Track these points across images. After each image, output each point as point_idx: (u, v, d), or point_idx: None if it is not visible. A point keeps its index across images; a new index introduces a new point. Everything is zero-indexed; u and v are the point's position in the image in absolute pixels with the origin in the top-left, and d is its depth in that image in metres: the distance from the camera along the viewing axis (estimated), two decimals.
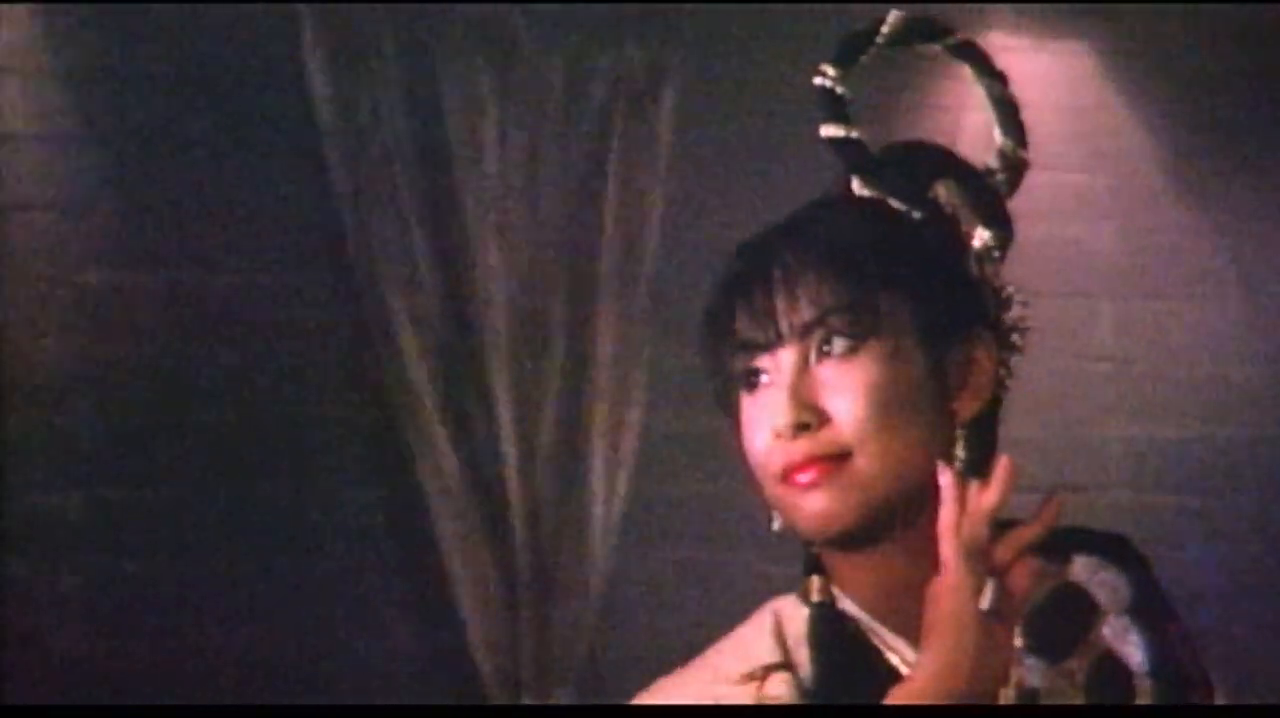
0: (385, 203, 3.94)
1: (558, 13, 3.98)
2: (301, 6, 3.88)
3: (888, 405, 1.84)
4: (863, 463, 1.84)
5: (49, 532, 3.86)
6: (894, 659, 1.85)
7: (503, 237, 3.96)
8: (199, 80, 3.91)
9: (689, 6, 4.08)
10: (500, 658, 3.93)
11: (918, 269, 1.89)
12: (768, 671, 1.89)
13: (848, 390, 1.84)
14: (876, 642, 1.88)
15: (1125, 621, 1.90)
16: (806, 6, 3.96)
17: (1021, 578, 1.78)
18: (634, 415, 4.01)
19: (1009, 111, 1.96)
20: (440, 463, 3.94)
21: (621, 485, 4.01)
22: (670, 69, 4.05)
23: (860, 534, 1.85)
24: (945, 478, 1.79)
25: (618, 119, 4.00)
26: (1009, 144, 1.97)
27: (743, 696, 1.87)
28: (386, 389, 3.93)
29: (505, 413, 3.95)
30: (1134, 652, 1.89)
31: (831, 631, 1.90)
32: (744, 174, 4.13)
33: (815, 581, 1.92)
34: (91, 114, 3.88)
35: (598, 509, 3.97)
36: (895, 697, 1.75)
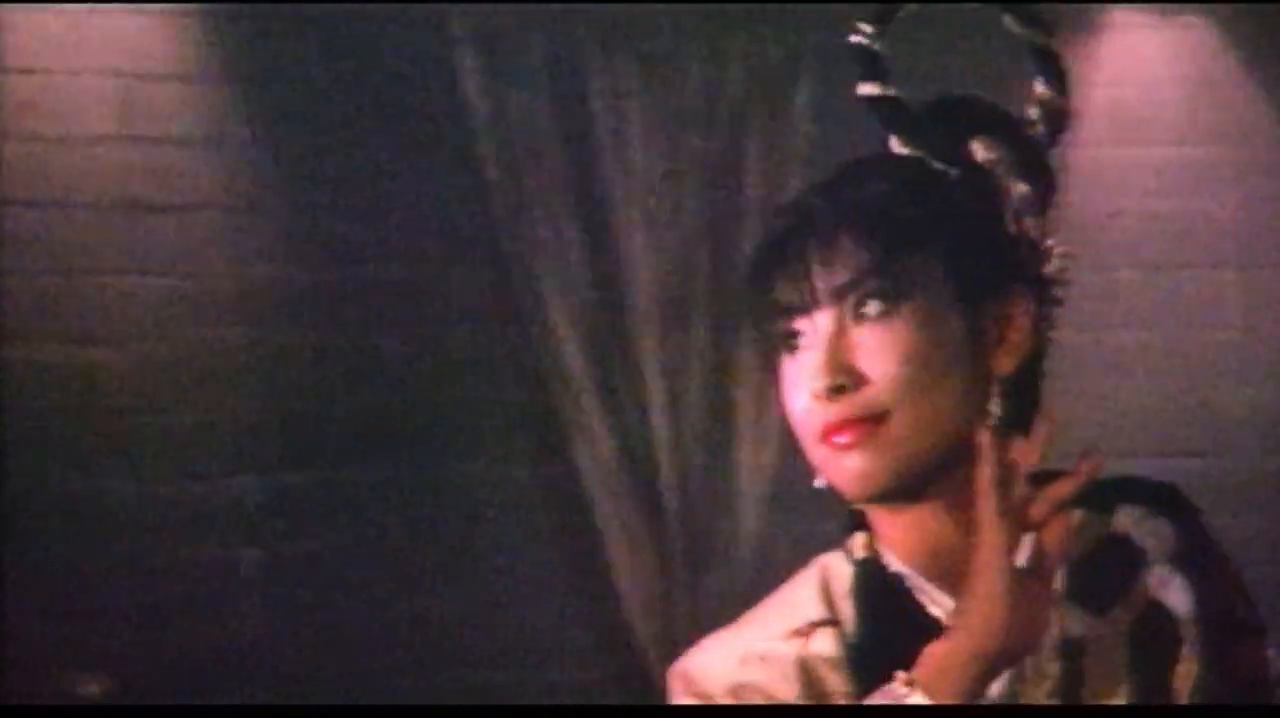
0: (535, 195, 4.11)
1: (695, 5, 4.13)
2: (452, 10, 4.06)
3: (923, 366, 1.84)
4: (899, 424, 1.84)
5: (229, 514, 4.09)
6: (937, 613, 1.85)
7: (648, 224, 4.13)
8: (357, 84, 4.09)
9: None
10: (656, 622, 4.10)
11: (953, 229, 1.89)
12: (813, 626, 1.91)
13: (883, 352, 1.84)
14: (920, 596, 1.88)
15: (1170, 568, 1.88)
16: None
17: (1058, 534, 1.78)
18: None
19: (1050, 61, 1.96)
20: (595, 440, 4.12)
21: (767, 457, 4.15)
22: (806, 57, 4.18)
23: (899, 493, 1.85)
24: (982, 437, 1.79)
25: (755, 107, 4.15)
26: (1049, 94, 1.96)
27: (789, 651, 1.88)
28: (542, 372, 4.11)
29: (655, 391, 4.12)
30: (1179, 599, 1.87)
31: (875, 586, 1.91)
32: None
33: (859, 537, 1.93)
34: (258, 118, 4.08)
35: (745, 480, 4.13)
36: (932, 653, 1.75)
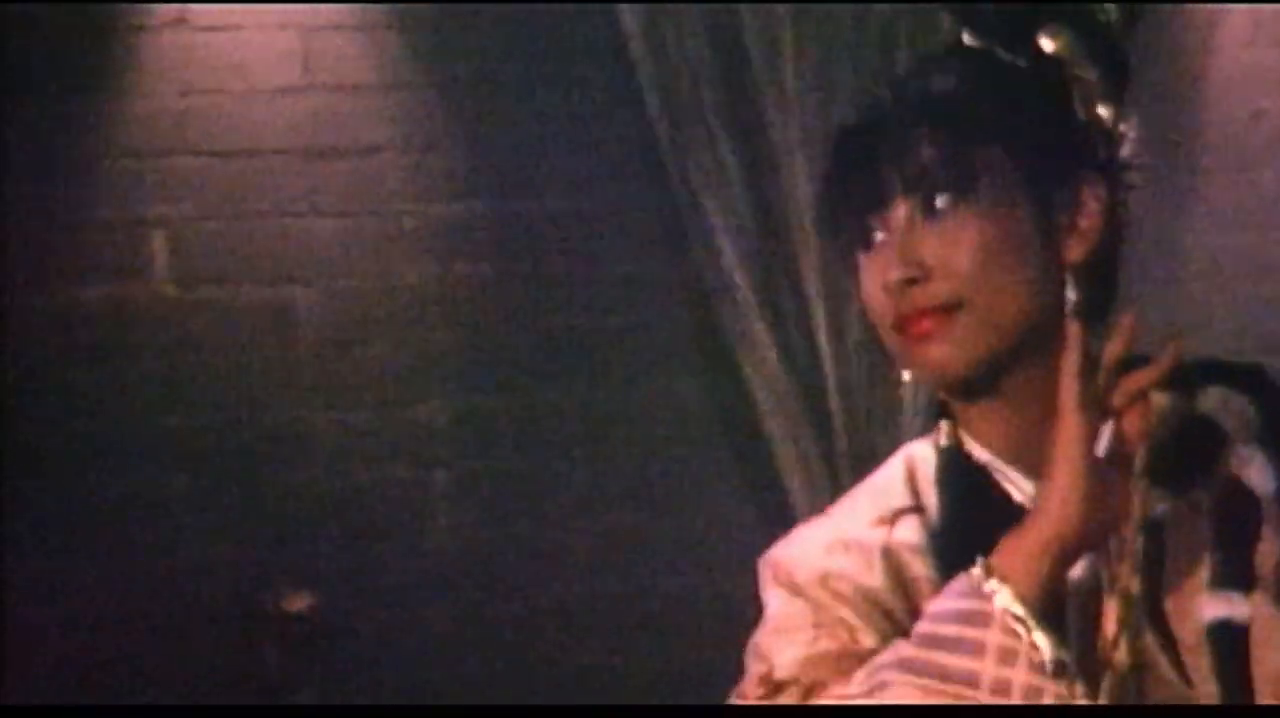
0: (696, 123, 4.25)
1: None
2: None
3: (993, 256, 1.83)
4: (972, 314, 1.83)
5: (419, 438, 4.32)
6: (1020, 499, 1.84)
7: (803, 146, 4.27)
8: (524, 26, 4.27)
9: None
10: None
11: (1020, 119, 1.87)
12: (898, 514, 1.91)
13: (953, 244, 1.84)
14: (1003, 483, 1.87)
15: (1253, 448, 1.85)
16: None
17: (1137, 422, 1.76)
18: None
19: None
20: (761, 355, 4.24)
21: None
22: None
23: (976, 382, 1.85)
24: (1071, 325, 1.77)
25: (901, 33, 4.25)
26: None
27: (875, 538, 1.89)
28: (710, 293, 4.25)
29: (817, 306, 4.22)
30: (1261, 478, 1.84)
31: (958, 473, 1.90)
32: None
33: (944, 425, 1.92)
34: (429, 62, 4.29)
35: (906, 391, 4.25)
36: (1010, 540, 1.74)
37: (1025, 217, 1.85)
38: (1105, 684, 1.76)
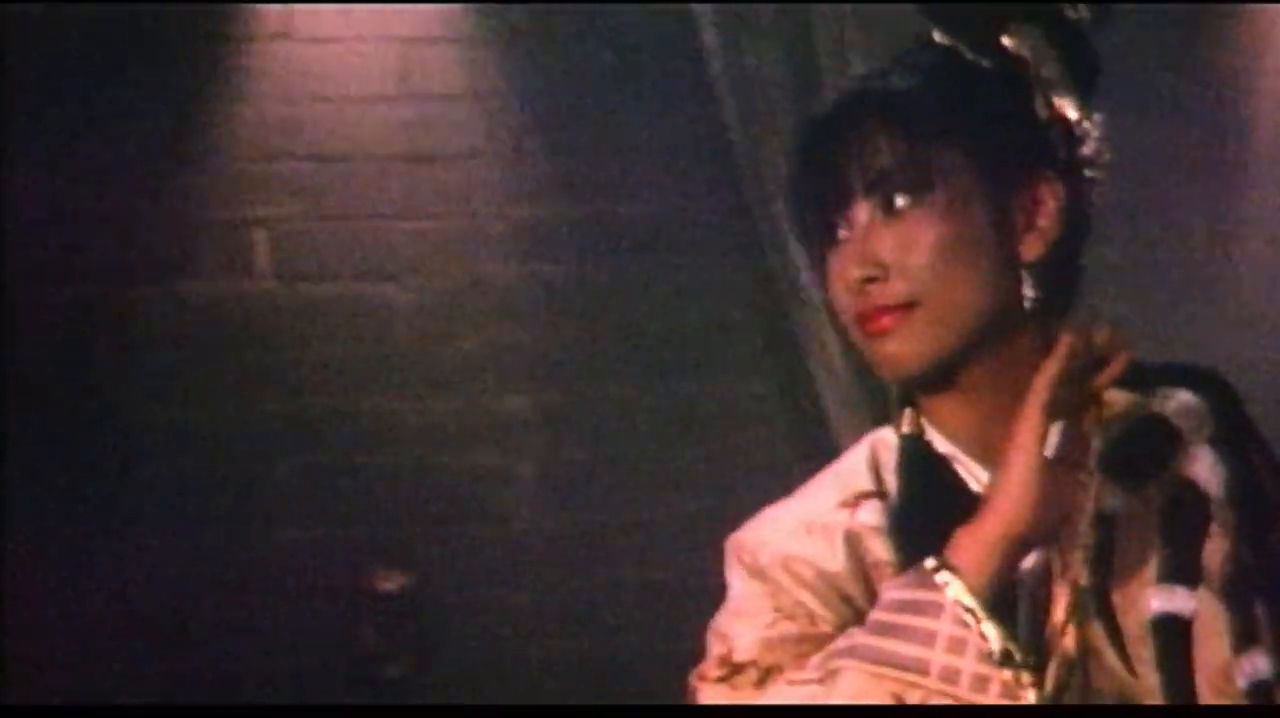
0: (768, 129, 4.39)
1: None
2: None
3: (949, 255, 1.84)
4: (928, 311, 1.84)
5: (504, 429, 4.51)
6: (978, 489, 1.85)
7: None
8: (606, 38, 4.43)
9: None
10: None
11: (980, 119, 1.87)
12: (860, 497, 1.93)
13: (911, 244, 1.85)
14: (963, 473, 1.88)
15: (1206, 449, 1.85)
16: None
17: (1090, 422, 1.81)
18: None
19: None
20: (829, 354, 4.36)
21: None
22: None
23: (934, 376, 1.87)
24: (1065, 337, 1.79)
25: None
26: None
27: (837, 521, 1.91)
28: (779, 292, 4.39)
29: None
30: (1212, 480, 1.85)
31: (919, 461, 1.92)
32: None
33: (906, 413, 1.95)
34: (517, 73, 4.46)
35: None
36: (963, 535, 1.77)
37: (982, 216, 1.86)
38: (1052, 671, 1.79)
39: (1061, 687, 1.80)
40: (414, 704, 4.25)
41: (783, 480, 4.47)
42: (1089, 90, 1.93)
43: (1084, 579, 1.82)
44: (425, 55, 4.47)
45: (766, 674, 1.86)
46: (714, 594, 4.55)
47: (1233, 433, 1.87)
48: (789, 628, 1.87)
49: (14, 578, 4.21)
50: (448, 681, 4.41)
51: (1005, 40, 1.90)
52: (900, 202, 1.86)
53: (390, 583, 4.42)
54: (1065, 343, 1.79)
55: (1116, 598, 1.83)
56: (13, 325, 4.29)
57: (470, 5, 4.45)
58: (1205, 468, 1.86)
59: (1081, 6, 1.93)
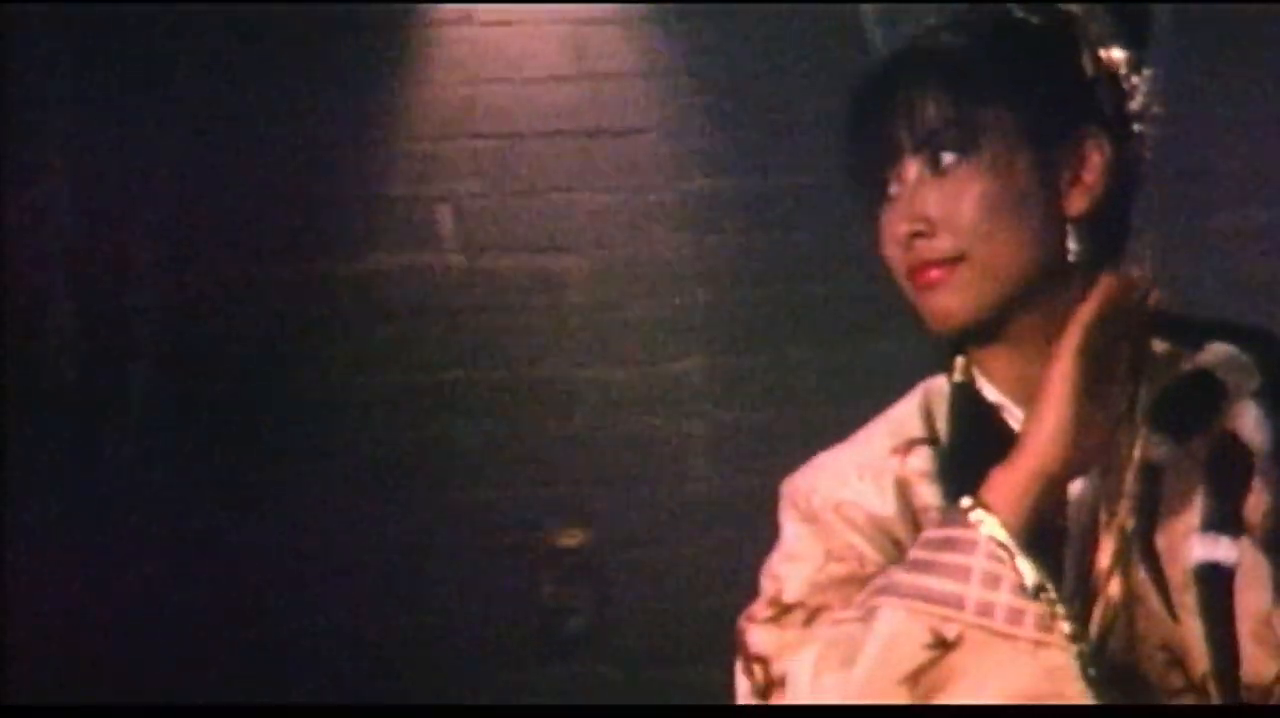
0: None
1: None
2: None
3: (995, 211, 1.85)
4: (974, 266, 1.86)
5: (680, 391, 4.64)
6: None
7: None
8: (768, 18, 4.59)
9: None
10: None
11: (1026, 77, 1.88)
12: (912, 444, 1.96)
13: (957, 200, 1.86)
14: (1010, 420, 1.89)
15: (1251, 403, 1.85)
16: None
17: (1123, 364, 1.80)
18: None
19: None
20: None
21: None
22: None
23: (981, 328, 1.89)
24: (1105, 279, 1.80)
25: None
26: None
27: (889, 467, 1.95)
28: None
29: None
30: (1258, 434, 1.85)
31: (969, 408, 1.93)
32: None
33: (959, 362, 1.96)
34: (686, 52, 4.62)
35: None
36: (999, 473, 1.79)
37: (1027, 172, 1.87)
38: (1097, 615, 1.79)
39: (1106, 631, 1.80)
40: (415, 704, 4.32)
41: None
42: (1141, 43, 1.93)
43: (1130, 526, 1.82)
44: (598, 36, 4.60)
45: (814, 615, 1.87)
46: None
47: (1278, 388, 1.87)
48: (838, 570, 1.88)
49: (234, 528, 4.42)
50: (625, 634, 4.57)
51: None
52: (947, 159, 1.87)
53: (570, 540, 4.57)
54: (1104, 285, 1.79)
55: (1161, 545, 1.84)
56: (232, 299, 4.52)
57: None
58: (1250, 422, 1.85)
59: None
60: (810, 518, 1.96)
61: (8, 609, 4.02)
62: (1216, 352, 1.89)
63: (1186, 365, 1.88)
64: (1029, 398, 1.83)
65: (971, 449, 1.88)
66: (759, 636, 1.90)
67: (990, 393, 1.91)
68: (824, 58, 4.54)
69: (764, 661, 1.88)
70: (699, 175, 4.63)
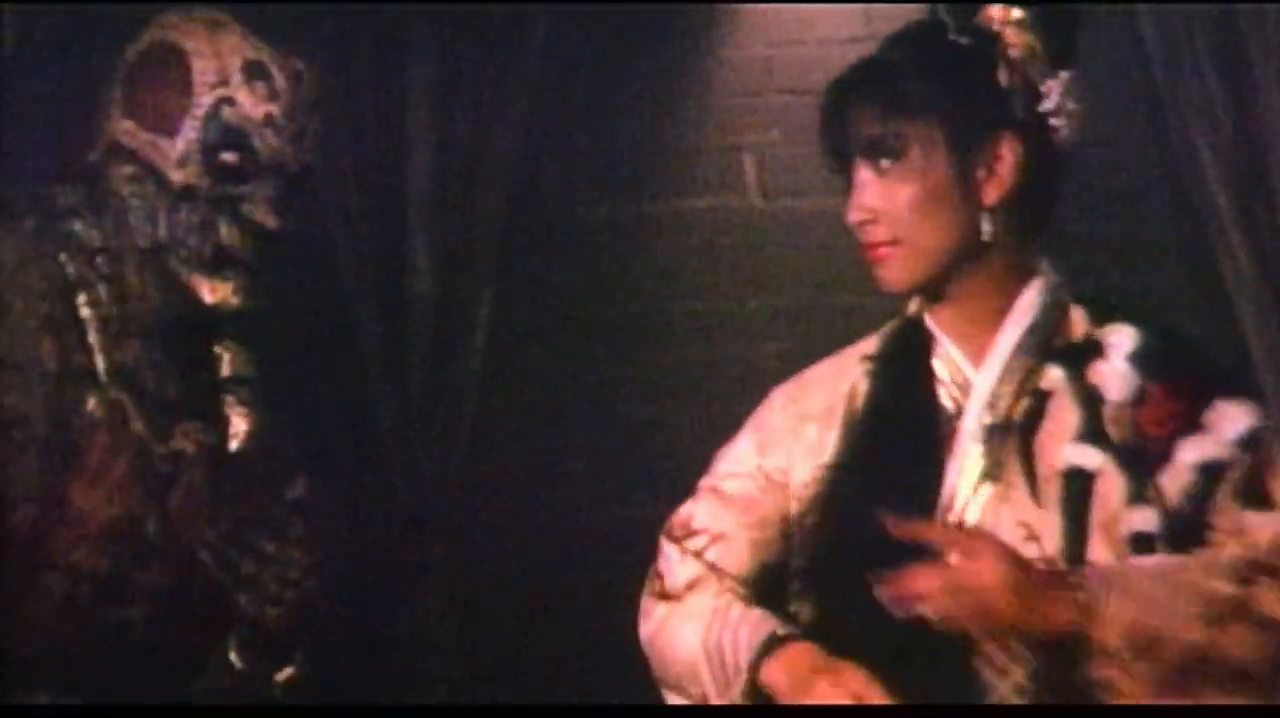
0: (1188, 60, 4.72)
1: None
2: None
3: (921, 206, 2.28)
4: (907, 247, 2.31)
5: None
6: (941, 366, 2.35)
7: None
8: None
9: None
10: None
11: (950, 90, 2.26)
12: (864, 359, 2.46)
13: (893, 197, 2.29)
14: (940, 348, 2.37)
15: (1124, 363, 2.39)
16: None
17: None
18: None
19: None
20: (1235, 256, 4.69)
21: None
22: None
23: (920, 290, 2.36)
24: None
25: None
26: None
27: (847, 370, 2.45)
28: (1197, 201, 4.71)
29: None
30: (1120, 383, 2.33)
31: (909, 335, 2.40)
32: None
33: (916, 300, 2.42)
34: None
35: None
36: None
37: (948, 172, 2.28)
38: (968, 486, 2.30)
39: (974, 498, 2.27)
40: (415, 704, 4.52)
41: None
42: (1065, 52, 2.34)
43: (1016, 428, 2.31)
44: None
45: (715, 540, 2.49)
46: None
47: (1149, 356, 2.31)
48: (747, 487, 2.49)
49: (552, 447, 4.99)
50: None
51: (991, 12, 2.29)
52: (885, 163, 2.29)
53: None
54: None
55: (1037, 447, 2.28)
56: (555, 238, 5.09)
57: None
58: (1118, 374, 2.31)
59: None
60: (762, 420, 2.50)
61: None
62: (1116, 329, 2.37)
63: (1088, 334, 2.36)
64: (960, 339, 2.34)
65: (899, 367, 2.38)
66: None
67: (933, 328, 2.39)
68: (1086, 17, 4.87)
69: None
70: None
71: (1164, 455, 2.28)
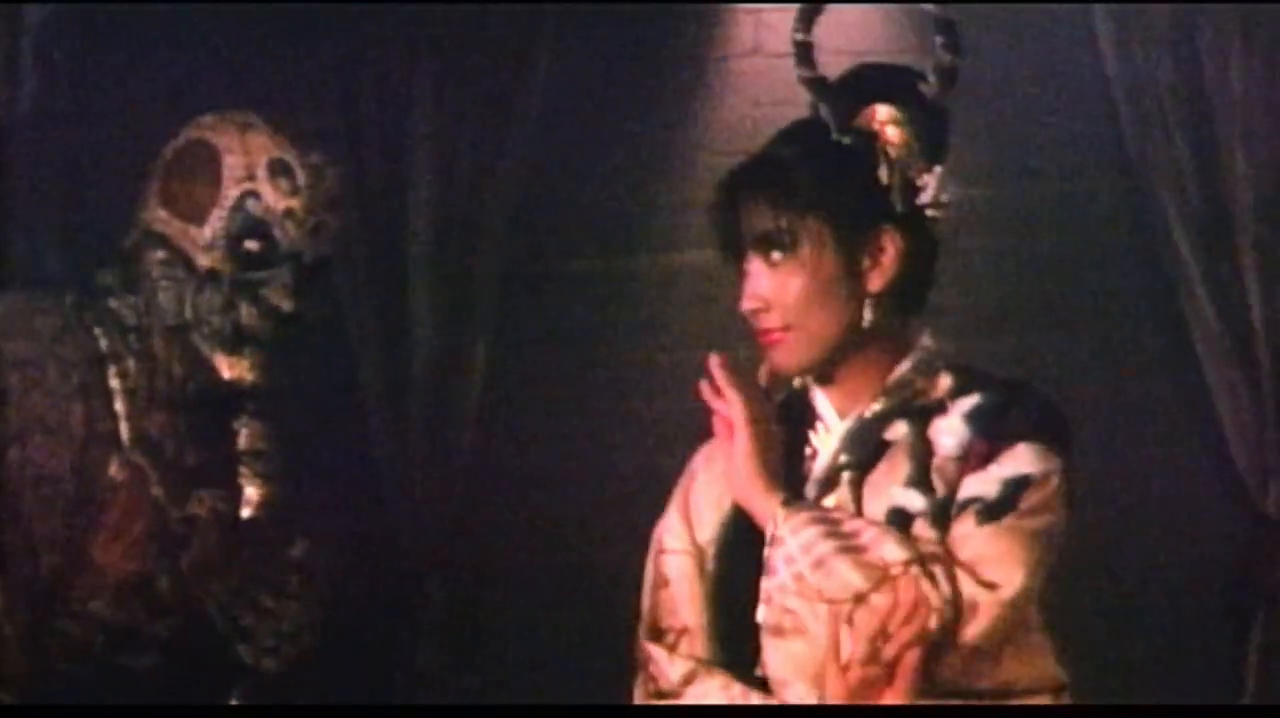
0: (1156, 123, 4.90)
1: None
2: None
3: (812, 294, 2.43)
4: (798, 333, 2.46)
5: None
6: (820, 426, 2.53)
7: (1245, 143, 4.85)
8: (1004, 38, 4.97)
9: None
10: (1251, 455, 4.84)
11: (835, 189, 2.41)
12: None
13: (783, 287, 2.43)
14: (820, 417, 2.56)
15: (959, 421, 2.52)
16: None
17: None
18: None
19: (947, 28, 2.50)
20: (1205, 316, 4.88)
21: None
22: None
23: (807, 372, 2.53)
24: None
25: None
26: (945, 56, 2.49)
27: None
28: (1165, 260, 4.88)
29: (1251, 278, 4.86)
30: (950, 439, 2.50)
31: (799, 405, 2.60)
32: None
33: (799, 379, 2.61)
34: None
35: None
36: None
37: (835, 265, 2.44)
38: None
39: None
40: (417, 705, 4.67)
41: (1162, 428, 5.00)
42: (938, 147, 2.47)
43: (849, 473, 2.51)
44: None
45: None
46: None
47: (984, 416, 2.46)
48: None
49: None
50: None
51: (870, 112, 2.44)
52: (776, 255, 2.45)
53: None
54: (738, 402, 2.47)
55: (869, 486, 2.49)
56: (549, 290, 5.23)
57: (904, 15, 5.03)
58: (952, 431, 2.47)
59: (931, 81, 2.49)
60: (685, 502, 2.69)
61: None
62: (968, 393, 2.53)
63: (950, 393, 2.53)
64: (842, 408, 2.54)
65: (787, 427, 2.54)
66: None
67: (819, 401, 2.56)
68: (1058, 75, 5.08)
69: None
70: (964, 184, 5.08)
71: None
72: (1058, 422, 2.51)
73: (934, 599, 2.35)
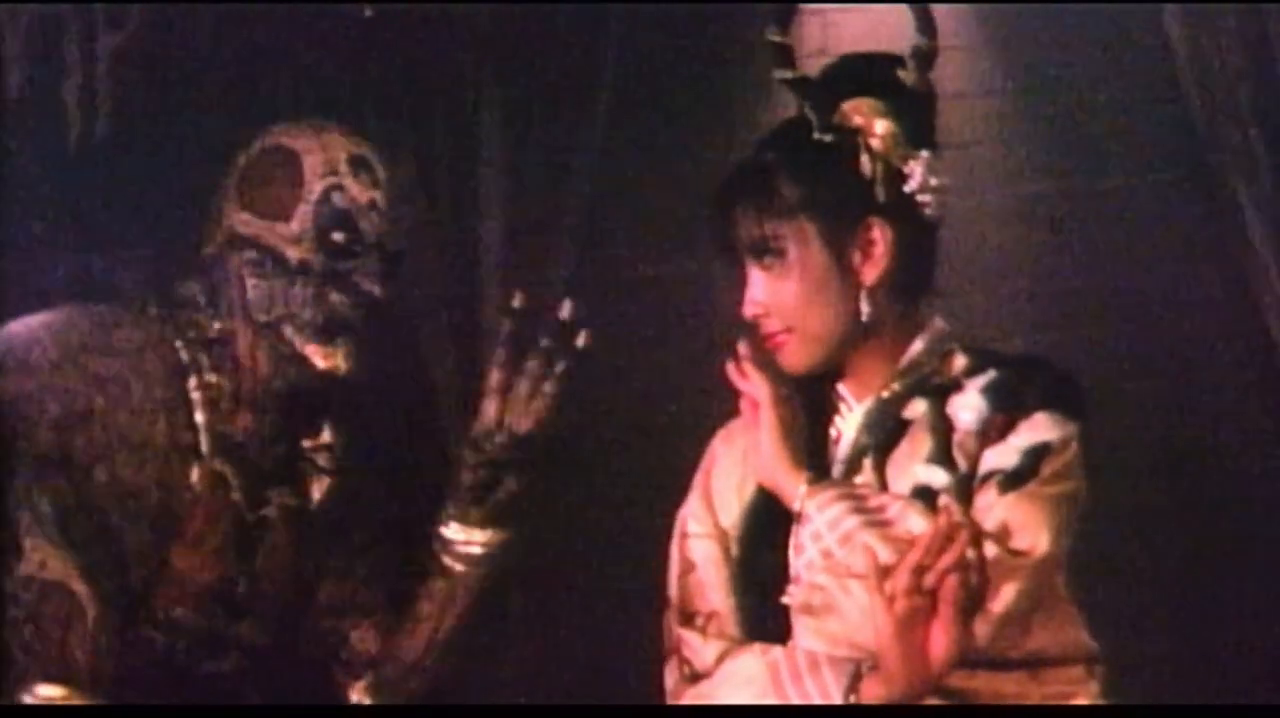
0: (1229, 118, 4.86)
1: None
2: None
3: (805, 296, 2.48)
4: (799, 334, 2.51)
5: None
6: (843, 410, 2.58)
7: None
8: (1081, 38, 4.99)
9: None
10: None
11: (818, 188, 2.45)
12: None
13: (778, 291, 2.49)
14: (841, 403, 2.60)
15: (976, 395, 2.57)
16: None
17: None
18: None
19: (922, 15, 2.53)
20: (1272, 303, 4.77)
21: None
22: None
23: (817, 369, 2.56)
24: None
25: None
26: (921, 41, 2.51)
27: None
28: (1235, 258, 4.86)
29: None
30: (968, 414, 2.53)
31: (820, 391, 2.62)
32: None
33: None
34: (1012, 72, 5.06)
35: None
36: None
37: (827, 264, 2.48)
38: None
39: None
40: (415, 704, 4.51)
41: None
42: (924, 134, 2.48)
43: (874, 450, 2.56)
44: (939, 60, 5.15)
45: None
46: None
47: (1001, 391, 2.50)
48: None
49: None
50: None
51: (851, 107, 2.45)
52: (769, 260, 2.50)
53: None
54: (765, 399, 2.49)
55: (892, 465, 2.54)
56: (620, 293, 5.24)
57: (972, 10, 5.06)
58: (968, 406, 2.53)
59: (910, 71, 2.50)
60: (707, 485, 2.71)
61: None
62: (988, 372, 2.57)
63: (966, 372, 2.59)
64: (856, 394, 2.59)
65: (811, 413, 2.59)
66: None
67: (839, 387, 2.62)
68: (1130, 73, 5.07)
69: None
70: (1025, 181, 5.02)
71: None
72: (1074, 390, 2.54)
73: (970, 528, 2.38)
